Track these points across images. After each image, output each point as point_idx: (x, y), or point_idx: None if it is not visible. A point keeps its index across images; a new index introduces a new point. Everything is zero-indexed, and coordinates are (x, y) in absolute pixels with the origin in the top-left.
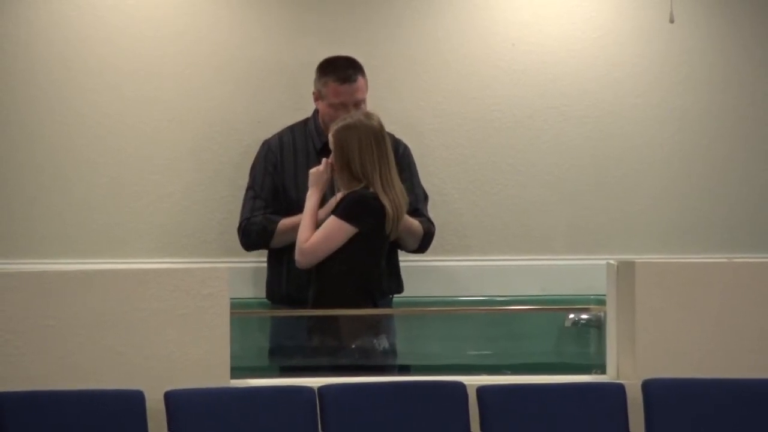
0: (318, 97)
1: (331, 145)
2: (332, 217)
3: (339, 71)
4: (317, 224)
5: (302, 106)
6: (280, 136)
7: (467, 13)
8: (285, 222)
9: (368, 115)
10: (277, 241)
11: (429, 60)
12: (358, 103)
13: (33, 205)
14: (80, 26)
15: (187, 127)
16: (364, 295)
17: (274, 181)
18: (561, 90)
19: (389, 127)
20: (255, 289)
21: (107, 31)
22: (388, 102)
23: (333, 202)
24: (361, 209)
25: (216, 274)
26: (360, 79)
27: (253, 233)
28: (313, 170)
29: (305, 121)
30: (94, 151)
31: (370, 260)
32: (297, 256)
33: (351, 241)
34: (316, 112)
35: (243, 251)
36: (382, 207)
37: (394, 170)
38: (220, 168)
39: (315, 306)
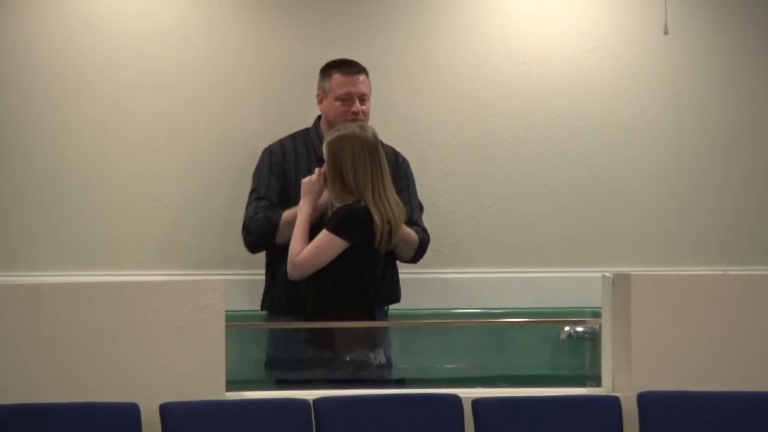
0: (323, 96)
1: (324, 156)
2: (324, 231)
3: (343, 65)
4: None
5: (299, 118)
6: (282, 142)
7: (463, 26)
8: (288, 213)
9: (363, 127)
10: (282, 235)
11: (425, 72)
12: (362, 97)
13: (30, 218)
14: (78, 39)
15: (184, 139)
16: (360, 308)
17: (278, 183)
18: (556, 102)
19: (385, 140)
20: (250, 301)
21: (105, 44)
22: (385, 114)
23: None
24: (350, 223)
25: (212, 287)
26: (364, 76)
27: (256, 230)
28: (305, 180)
29: (306, 130)
30: (91, 164)
31: (363, 273)
32: (289, 268)
33: (343, 255)
34: (317, 120)
35: (238, 263)
36: (372, 221)
37: (388, 182)
38: (216, 180)
39: (311, 318)
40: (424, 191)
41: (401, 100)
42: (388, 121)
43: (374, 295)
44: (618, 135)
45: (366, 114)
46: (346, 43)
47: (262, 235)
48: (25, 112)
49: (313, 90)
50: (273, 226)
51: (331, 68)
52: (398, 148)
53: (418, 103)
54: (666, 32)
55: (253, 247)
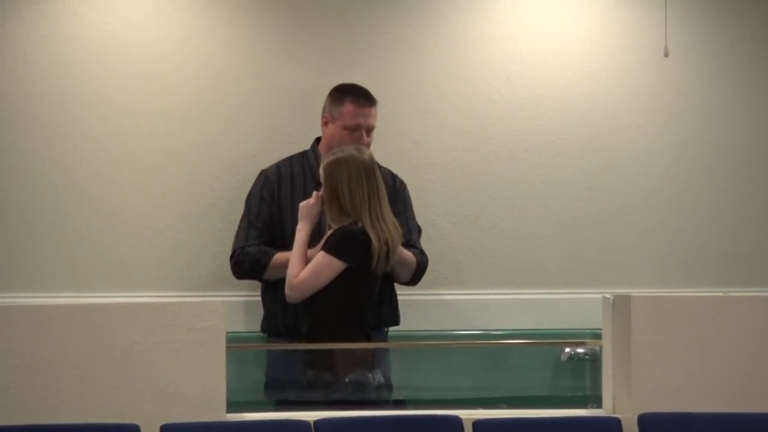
0: (329, 120)
1: (321, 179)
2: (321, 253)
3: (358, 94)
4: (308, 261)
5: (297, 141)
6: (279, 166)
7: (463, 47)
8: (279, 257)
9: (359, 150)
10: (269, 275)
11: (425, 93)
12: (370, 130)
13: (30, 239)
14: (77, 62)
15: (183, 160)
16: (357, 329)
17: (270, 211)
18: (557, 123)
19: (385, 161)
20: (247, 323)
21: (104, 66)
22: (384, 135)
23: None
24: (349, 244)
25: (211, 308)
26: (375, 109)
27: (246, 264)
28: (303, 203)
29: (304, 153)
30: (90, 185)
31: (360, 295)
32: (287, 291)
33: (341, 276)
34: (315, 143)
35: (236, 284)
36: (370, 242)
37: (385, 204)
38: (215, 201)
39: (309, 340)
40: (423, 212)
41: (401, 122)
42: (388, 142)
43: (371, 316)
44: (618, 156)
45: (369, 146)
46: (346, 65)
47: (250, 270)
48: (24, 135)
49: (314, 112)
50: (262, 266)
51: (345, 95)
52: (398, 169)
53: (418, 125)
54: (666, 54)
55: (238, 276)
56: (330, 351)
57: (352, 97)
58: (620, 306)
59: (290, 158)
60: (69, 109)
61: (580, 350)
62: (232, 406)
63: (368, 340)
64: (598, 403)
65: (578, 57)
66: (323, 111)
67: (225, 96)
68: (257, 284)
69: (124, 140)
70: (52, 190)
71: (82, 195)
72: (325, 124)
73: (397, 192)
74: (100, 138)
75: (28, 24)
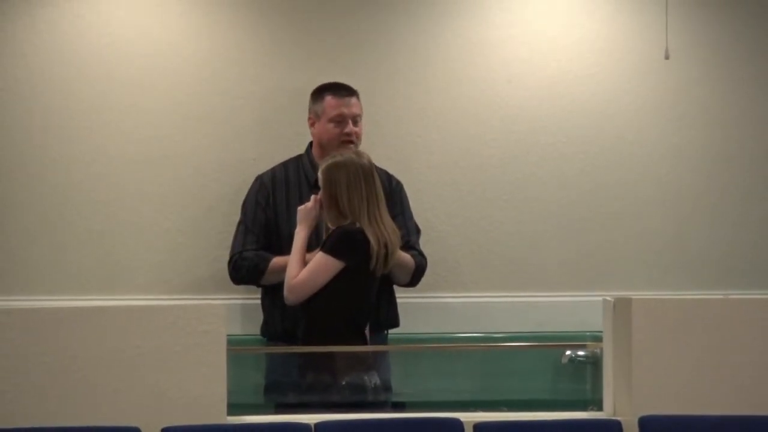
0: (315, 119)
1: (320, 182)
2: (320, 253)
3: (336, 87)
4: (306, 263)
5: (297, 145)
6: (274, 171)
7: (463, 50)
8: (277, 261)
9: (358, 153)
10: (267, 280)
11: (426, 96)
12: (355, 118)
13: (29, 243)
14: (77, 65)
15: (183, 163)
16: (353, 331)
17: (266, 216)
18: (557, 126)
19: (385, 163)
20: (245, 326)
21: (104, 69)
22: (384, 138)
23: None
24: (347, 244)
25: (212, 311)
26: (356, 98)
27: (243, 269)
28: (301, 207)
29: (299, 157)
30: (90, 188)
31: (357, 295)
32: (286, 292)
33: (338, 277)
34: (309, 146)
35: (235, 287)
36: (368, 242)
37: (383, 207)
38: (214, 204)
39: (305, 342)
40: (424, 215)
41: (401, 124)
42: (388, 144)
43: (368, 319)
44: (618, 159)
45: (358, 136)
46: (347, 69)
47: (248, 275)
48: (24, 137)
49: None
50: (260, 271)
51: (323, 91)
52: (398, 171)
53: (419, 127)
54: (667, 57)
55: (236, 282)
56: (326, 353)
57: (330, 91)
58: (621, 309)
59: (285, 163)
60: (69, 113)
61: (580, 353)
62: (232, 408)
63: (364, 341)
64: (598, 405)
65: (579, 60)
66: (309, 113)
67: (224, 99)
68: (255, 288)
69: (124, 143)
70: (52, 193)
71: (82, 198)
72: (312, 125)
73: (394, 192)
74: (99, 141)
75: (29, 27)
